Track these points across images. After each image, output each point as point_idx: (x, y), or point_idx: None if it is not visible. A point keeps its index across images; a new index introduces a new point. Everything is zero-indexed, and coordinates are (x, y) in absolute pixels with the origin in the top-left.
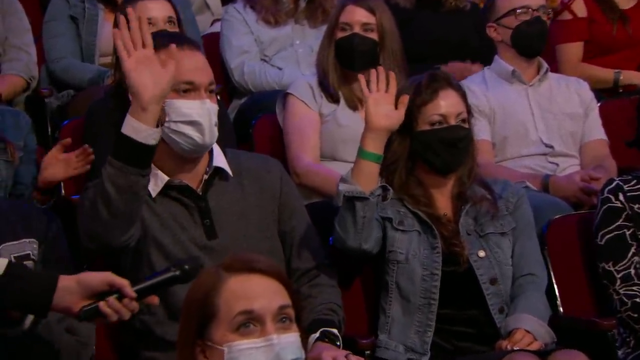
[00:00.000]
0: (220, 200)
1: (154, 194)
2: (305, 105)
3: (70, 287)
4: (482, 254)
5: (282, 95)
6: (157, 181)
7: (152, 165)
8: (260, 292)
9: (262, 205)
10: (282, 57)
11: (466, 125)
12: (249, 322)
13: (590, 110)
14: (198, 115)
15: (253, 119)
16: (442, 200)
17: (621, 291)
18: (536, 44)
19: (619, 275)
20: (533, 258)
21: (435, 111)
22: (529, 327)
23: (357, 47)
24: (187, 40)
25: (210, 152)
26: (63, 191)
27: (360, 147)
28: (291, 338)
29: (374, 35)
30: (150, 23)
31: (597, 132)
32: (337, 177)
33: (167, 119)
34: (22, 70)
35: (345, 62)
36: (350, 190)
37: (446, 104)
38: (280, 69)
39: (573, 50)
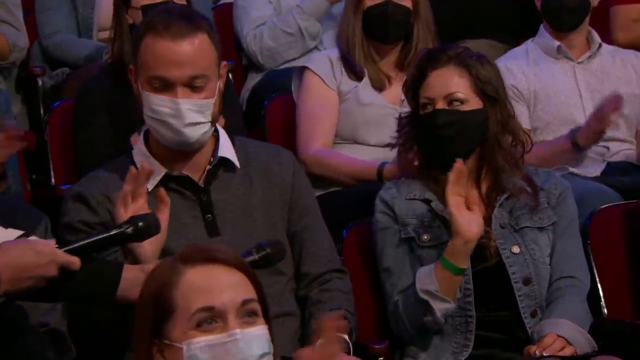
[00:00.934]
0: (224, 194)
1: (150, 187)
2: (322, 82)
3: (138, 278)
4: (516, 249)
5: (298, 69)
6: (154, 174)
7: (149, 155)
8: (222, 285)
9: (270, 202)
10: None
11: (464, 108)
12: (210, 319)
13: None
14: (166, 114)
15: (267, 99)
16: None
17: None
18: (565, 19)
19: None
20: (575, 259)
21: (423, 94)
22: (563, 332)
23: (392, 17)
24: (177, 24)
25: (216, 140)
26: (53, 180)
27: (451, 262)
28: (257, 332)
29: (407, 3)
30: None
31: None
32: (347, 163)
33: (144, 111)
34: (8, 34)
35: (376, 34)
36: (446, 308)
37: (434, 84)
38: None
39: (628, 10)
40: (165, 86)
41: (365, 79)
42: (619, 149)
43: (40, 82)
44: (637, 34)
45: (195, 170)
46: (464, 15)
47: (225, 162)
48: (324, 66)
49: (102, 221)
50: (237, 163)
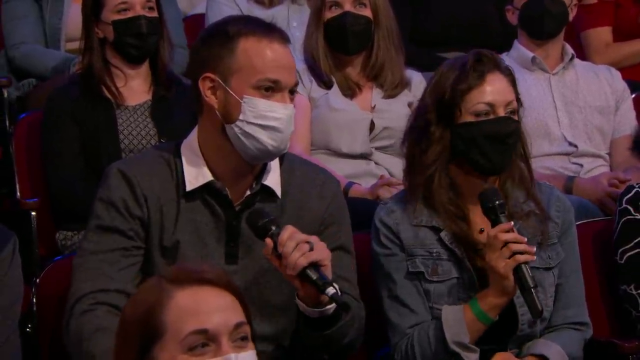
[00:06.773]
0: None
1: (189, 187)
2: None
3: None
4: None
5: None
6: (198, 176)
7: (199, 154)
8: (214, 307)
9: None
10: None
11: (516, 117)
12: (203, 343)
13: (622, 102)
14: (278, 120)
15: None
16: (480, 212)
17: None
18: (547, 24)
19: None
20: (581, 301)
21: (481, 99)
22: (547, 353)
23: (351, 28)
24: (278, 30)
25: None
26: (18, 194)
27: (489, 316)
28: (250, 357)
29: (367, 12)
30: (125, 9)
31: (629, 126)
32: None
33: (241, 117)
34: None
35: (338, 46)
36: (476, 358)
37: (494, 90)
38: None
39: (600, 35)
40: (273, 91)
41: (335, 87)
42: (594, 166)
43: (5, 93)
44: (612, 57)
45: (238, 186)
46: (442, 27)
47: (266, 189)
48: None
49: (141, 215)
50: (279, 193)
